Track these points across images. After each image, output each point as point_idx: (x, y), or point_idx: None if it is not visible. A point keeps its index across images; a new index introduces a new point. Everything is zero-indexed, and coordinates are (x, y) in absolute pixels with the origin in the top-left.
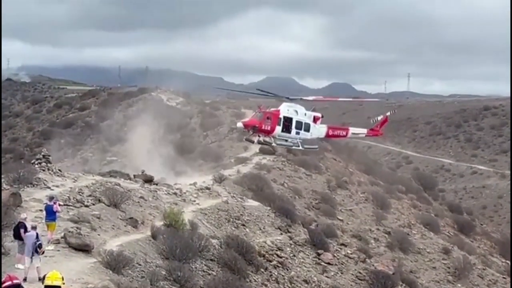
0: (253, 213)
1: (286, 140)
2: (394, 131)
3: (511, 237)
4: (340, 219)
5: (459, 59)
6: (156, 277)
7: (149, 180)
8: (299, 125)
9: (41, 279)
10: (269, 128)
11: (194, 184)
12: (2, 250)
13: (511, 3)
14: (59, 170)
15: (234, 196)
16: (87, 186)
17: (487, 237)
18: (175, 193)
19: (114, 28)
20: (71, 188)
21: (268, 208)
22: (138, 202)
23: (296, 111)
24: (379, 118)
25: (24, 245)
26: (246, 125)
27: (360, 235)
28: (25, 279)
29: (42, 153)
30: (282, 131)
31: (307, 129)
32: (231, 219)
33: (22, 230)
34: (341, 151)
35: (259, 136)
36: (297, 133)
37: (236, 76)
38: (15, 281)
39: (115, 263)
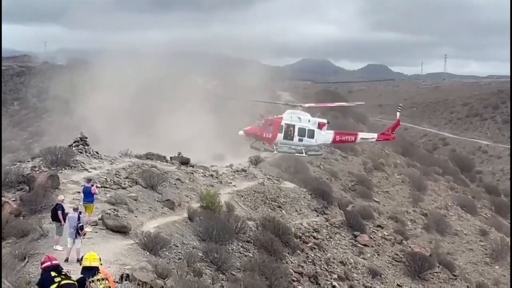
0: (289, 195)
1: (289, 147)
2: (431, 112)
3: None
4: (376, 201)
5: (496, 40)
6: (193, 258)
7: (185, 162)
8: (302, 132)
9: (79, 260)
10: (270, 135)
11: (231, 166)
12: (41, 232)
13: None
14: (97, 152)
15: (270, 178)
16: (124, 168)
17: None
18: (211, 175)
19: (150, 11)
20: (108, 170)
21: (304, 190)
22: (175, 184)
23: (300, 118)
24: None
25: (61, 227)
26: (247, 133)
27: (397, 216)
28: (66, 260)
29: (80, 136)
30: (285, 138)
31: (311, 135)
32: (267, 201)
33: (59, 212)
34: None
35: (263, 143)
36: (300, 140)
37: (272, 58)
38: (54, 262)
39: (152, 245)
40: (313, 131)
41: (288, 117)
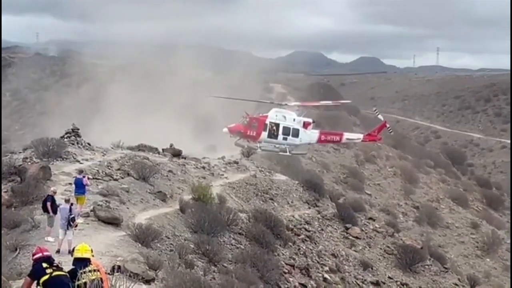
0: (281, 187)
1: (273, 146)
2: (423, 105)
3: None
4: (368, 194)
5: (489, 33)
6: (184, 250)
7: (177, 154)
8: (286, 130)
9: (71, 252)
10: (254, 133)
11: (223, 158)
12: (33, 223)
13: None
14: (88, 144)
15: (262, 170)
16: (116, 160)
17: None
18: (203, 167)
19: (143, 2)
20: (100, 161)
21: (296, 182)
22: (167, 176)
23: (285, 117)
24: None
25: (52, 218)
26: (231, 131)
27: (388, 209)
28: (58, 251)
29: (72, 127)
30: (269, 136)
31: (296, 134)
32: (259, 193)
33: (48, 203)
34: (369, 125)
35: (248, 141)
36: (284, 138)
37: (264, 50)
38: (45, 253)
39: (144, 236)
40: (297, 130)
41: (273, 115)
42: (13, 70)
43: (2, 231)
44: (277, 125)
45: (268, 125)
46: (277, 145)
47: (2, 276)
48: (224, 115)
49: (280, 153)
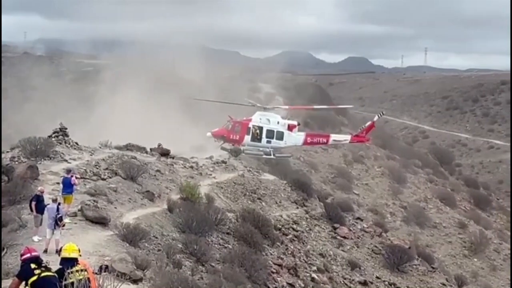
0: (269, 187)
1: (257, 149)
2: (411, 105)
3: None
4: (356, 193)
5: (477, 33)
6: (172, 250)
7: (165, 153)
8: (270, 133)
9: (58, 251)
10: (237, 137)
11: (211, 157)
12: (20, 223)
13: None
14: (76, 143)
15: (250, 170)
16: (104, 159)
17: (504, 212)
18: (191, 167)
19: (131, 2)
20: (88, 161)
21: (284, 182)
22: (155, 175)
23: (269, 120)
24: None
25: (38, 218)
26: (215, 135)
27: (376, 209)
28: (45, 251)
29: (60, 126)
30: (252, 140)
31: (280, 137)
32: (247, 193)
33: (33, 203)
34: (357, 125)
35: (233, 145)
36: (268, 141)
37: (252, 50)
38: (33, 254)
39: (132, 236)
40: (282, 133)
41: (257, 118)
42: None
43: None
44: (261, 128)
45: (251, 128)
46: (261, 148)
47: None
48: (212, 115)
49: (264, 156)
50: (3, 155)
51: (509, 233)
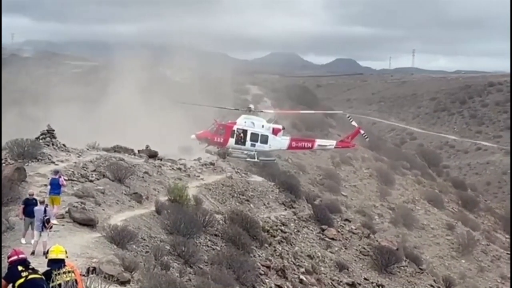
0: (257, 189)
1: (241, 152)
2: (399, 107)
3: (511, 215)
4: (344, 195)
5: (464, 35)
6: (160, 252)
7: (153, 155)
8: (254, 137)
9: (45, 253)
10: (221, 140)
11: (199, 159)
12: (8, 225)
13: None
14: (64, 145)
15: (238, 172)
16: (91, 161)
17: (491, 213)
18: (179, 169)
19: (118, 4)
20: (75, 163)
21: (273, 183)
22: (143, 177)
23: (253, 123)
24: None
25: (26, 221)
26: (199, 138)
27: (364, 210)
28: (33, 253)
29: (47, 128)
30: (236, 143)
31: (265, 141)
32: (235, 194)
33: (21, 207)
34: (345, 128)
35: (217, 147)
36: (253, 145)
37: (240, 52)
38: (21, 256)
39: (120, 238)
40: (266, 136)
41: (242, 122)
42: None
43: None
44: (245, 131)
45: (236, 131)
46: (245, 152)
47: None
48: (200, 117)
49: (248, 159)
50: None
51: (496, 235)
